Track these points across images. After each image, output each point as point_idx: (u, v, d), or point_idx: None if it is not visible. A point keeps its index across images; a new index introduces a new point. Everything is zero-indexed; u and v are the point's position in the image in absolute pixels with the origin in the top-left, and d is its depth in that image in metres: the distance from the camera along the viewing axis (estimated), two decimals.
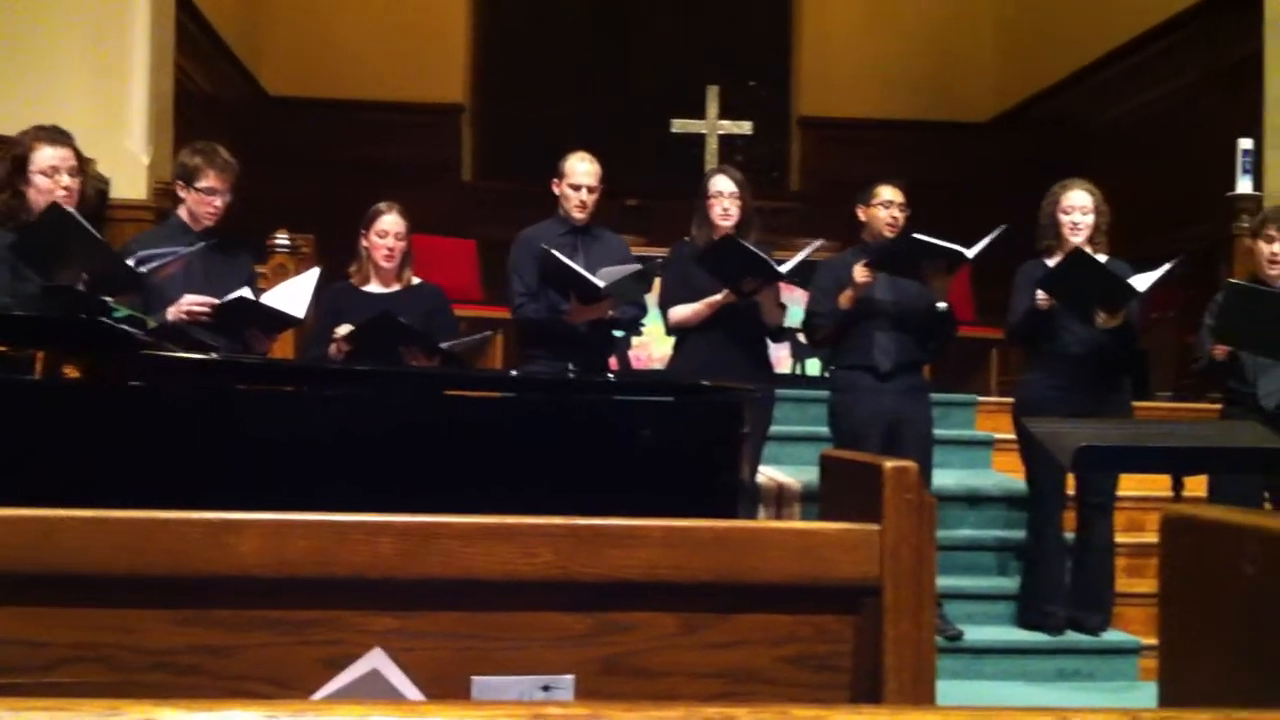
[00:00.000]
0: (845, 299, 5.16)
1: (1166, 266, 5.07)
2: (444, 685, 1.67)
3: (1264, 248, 5.00)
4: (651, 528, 1.75)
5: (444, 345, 4.59)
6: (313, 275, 4.70)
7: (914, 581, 1.85)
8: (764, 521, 4.76)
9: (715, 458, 3.85)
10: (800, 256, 5.09)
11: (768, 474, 5.87)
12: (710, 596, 1.78)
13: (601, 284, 4.73)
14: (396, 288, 4.92)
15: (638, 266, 4.99)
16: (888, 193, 5.28)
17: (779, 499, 5.91)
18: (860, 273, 5.08)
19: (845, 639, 1.84)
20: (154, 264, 4.28)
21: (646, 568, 1.72)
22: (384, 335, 4.50)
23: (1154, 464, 3.95)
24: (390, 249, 4.85)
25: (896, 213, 5.25)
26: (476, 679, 1.69)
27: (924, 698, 1.86)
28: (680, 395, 3.74)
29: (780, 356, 7.27)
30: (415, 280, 4.99)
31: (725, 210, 5.14)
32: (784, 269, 4.99)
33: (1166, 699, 1.16)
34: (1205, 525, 1.07)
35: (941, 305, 5.15)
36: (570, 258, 4.83)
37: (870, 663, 1.83)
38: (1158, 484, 4.55)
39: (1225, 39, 8.60)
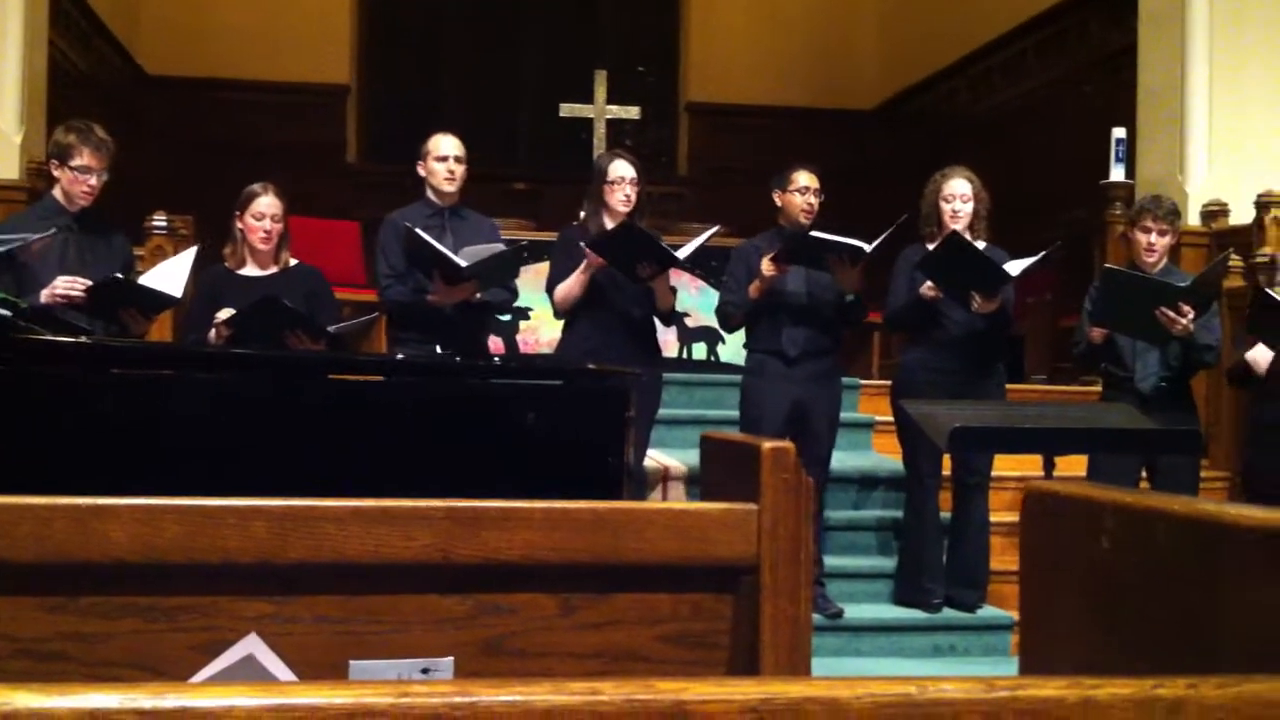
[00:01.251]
0: (754, 290, 5.22)
1: (1041, 254, 5.21)
2: (321, 670, 1.65)
3: (1141, 237, 5.14)
4: (531, 510, 1.75)
5: (331, 329, 4.53)
6: (189, 254, 4.61)
7: (791, 560, 1.88)
8: (643, 502, 4.78)
9: (601, 441, 3.86)
10: (697, 242, 5.12)
11: (655, 457, 5.90)
12: (589, 577, 1.79)
13: (464, 263, 4.69)
14: (274, 270, 4.84)
15: (501, 247, 4.96)
16: (804, 178, 5.33)
17: (665, 481, 5.95)
18: (767, 267, 5.14)
19: (723, 617, 1.87)
20: (4, 248, 4.17)
21: (526, 549, 1.73)
22: (269, 319, 4.43)
23: (1025, 444, 4.06)
24: (268, 231, 4.77)
25: (812, 199, 5.31)
26: (354, 663, 1.68)
27: (800, 673, 1.89)
28: (566, 379, 3.75)
29: (668, 340, 7.30)
30: (293, 262, 4.91)
31: (627, 196, 5.14)
32: (682, 255, 5.01)
33: (1027, 669, 1.20)
34: (1064, 501, 1.11)
35: (849, 297, 5.24)
36: (438, 239, 4.77)
37: (748, 640, 1.86)
38: (1034, 464, 4.67)
39: (1101, 32, 8.83)
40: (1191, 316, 4.79)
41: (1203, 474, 6.39)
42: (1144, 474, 5.15)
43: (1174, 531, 0.95)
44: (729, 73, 12.04)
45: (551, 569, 1.74)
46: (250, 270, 4.82)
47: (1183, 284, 4.91)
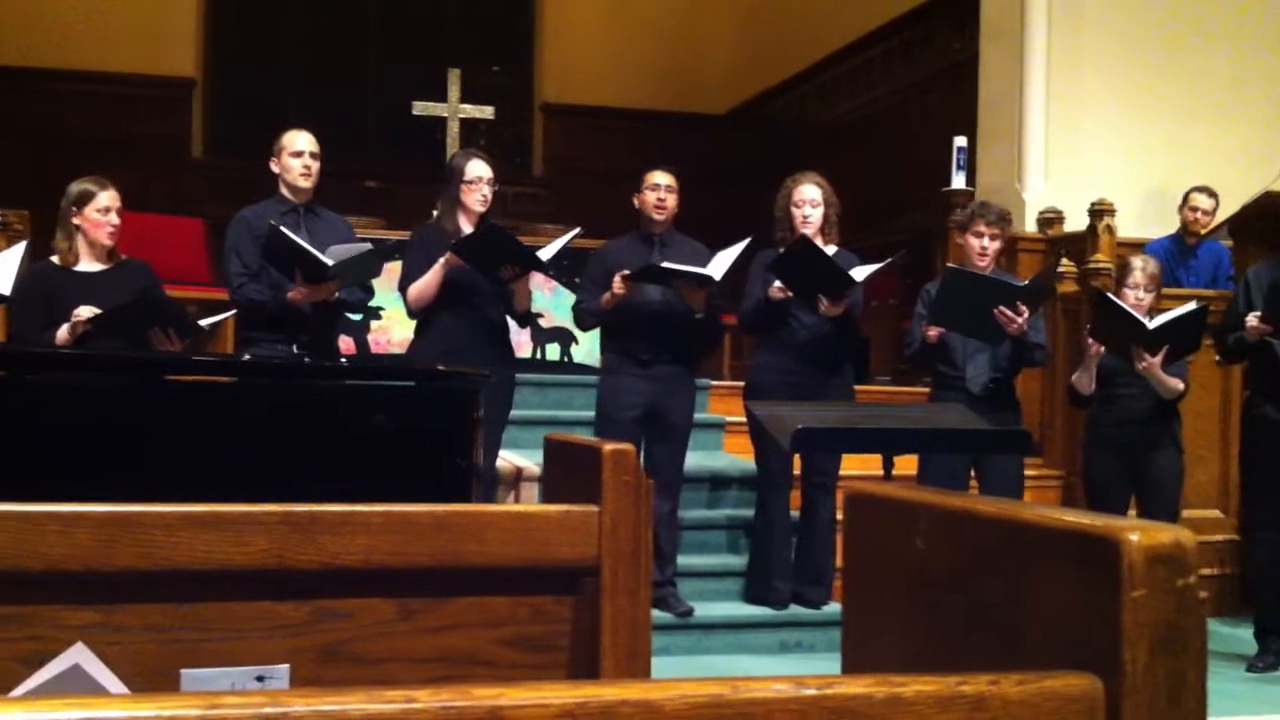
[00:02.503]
0: (606, 301, 5.23)
1: (887, 260, 5.33)
2: (152, 679, 1.62)
3: (973, 241, 5.30)
4: (370, 513, 1.74)
5: (203, 323, 4.46)
6: (19, 249, 4.46)
7: (631, 561, 1.89)
8: (485, 505, 4.78)
9: (450, 442, 3.84)
10: (559, 245, 5.13)
11: (507, 458, 5.88)
12: (428, 582, 1.78)
13: (330, 262, 4.63)
14: (108, 265, 4.71)
15: (368, 246, 4.90)
16: (657, 176, 5.38)
17: (518, 482, 5.94)
18: (618, 284, 5.16)
19: (563, 619, 1.88)
20: None
21: (365, 554, 1.71)
22: (140, 318, 4.35)
23: (866, 445, 4.16)
24: (114, 226, 4.65)
25: (664, 195, 5.35)
26: (186, 672, 1.65)
27: (640, 674, 1.91)
28: (416, 381, 3.72)
29: (521, 341, 7.29)
30: (123, 257, 4.80)
31: (484, 197, 5.13)
32: (544, 256, 5.01)
33: (849, 666, 1.23)
34: (882, 503, 1.14)
35: (699, 314, 5.29)
36: None
37: (588, 642, 1.87)
38: (879, 464, 4.78)
39: (945, 42, 9.08)
40: (1027, 316, 4.97)
41: (1038, 473, 6.63)
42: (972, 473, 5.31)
43: (981, 531, 0.99)
44: (584, 74, 12.07)
45: (390, 573, 1.73)
46: (85, 266, 4.68)
47: (1020, 284, 5.09)
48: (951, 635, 1.04)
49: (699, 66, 12.24)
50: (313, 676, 1.71)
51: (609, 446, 1.92)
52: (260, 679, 1.69)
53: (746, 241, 5.22)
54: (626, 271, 5.16)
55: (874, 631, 1.17)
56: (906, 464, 5.05)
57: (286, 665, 1.71)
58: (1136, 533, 0.84)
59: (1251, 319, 5.07)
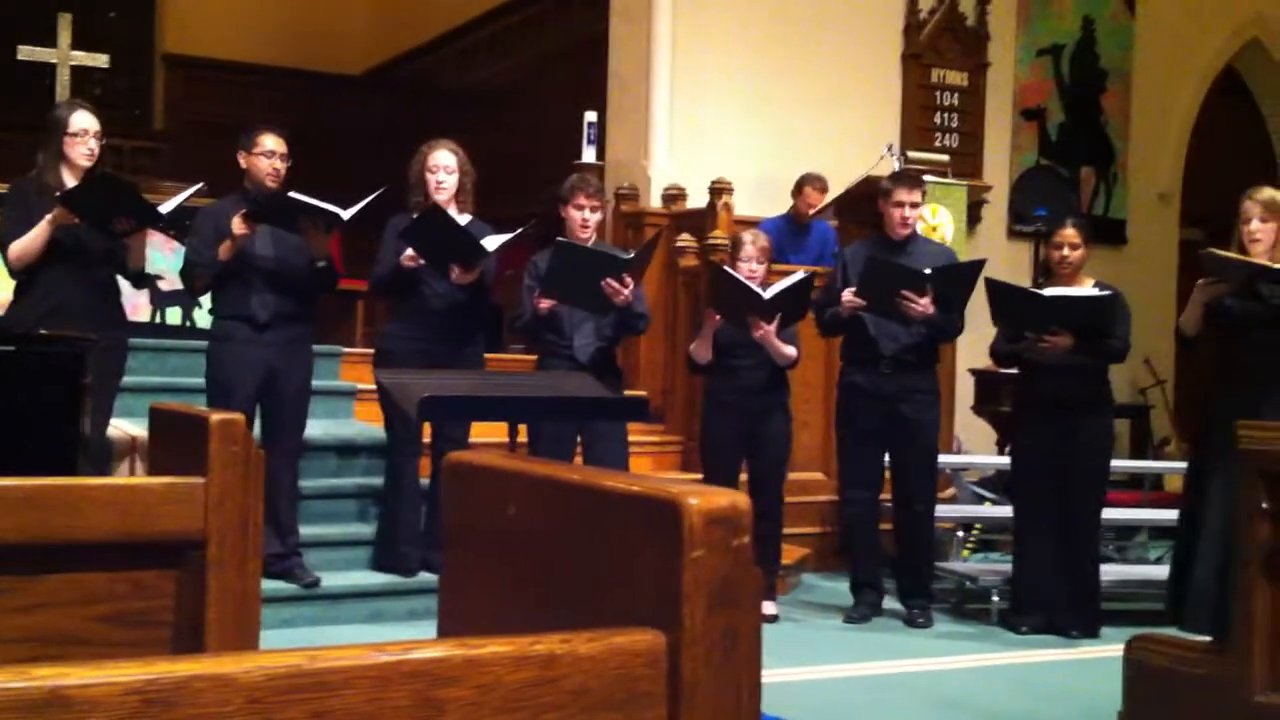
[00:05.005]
0: (224, 250, 5.05)
1: (520, 229, 5.40)
2: None
3: (575, 214, 5.44)
4: None
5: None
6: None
7: (240, 533, 1.86)
8: (83, 479, 4.55)
9: (52, 411, 3.63)
10: (178, 200, 4.91)
11: (121, 427, 5.60)
12: (18, 559, 1.69)
13: None
14: None
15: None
16: (270, 142, 5.19)
17: (134, 453, 5.66)
18: (238, 225, 4.98)
19: (167, 594, 1.83)
20: None
21: None
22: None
23: (492, 413, 4.22)
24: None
25: (279, 163, 5.18)
26: None
27: (247, 646, 1.88)
28: (15, 345, 3.49)
29: (138, 304, 6.94)
30: None
31: (90, 150, 4.88)
32: (163, 210, 4.78)
33: (445, 631, 1.26)
34: (477, 471, 1.17)
35: (320, 263, 5.16)
36: None
37: (193, 616, 1.83)
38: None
39: (578, 17, 9.25)
40: (632, 287, 5.15)
41: (659, 439, 6.91)
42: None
43: (566, 498, 1.04)
44: (211, 25, 11.56)
45: None
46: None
47: (626, 257, 5.30)
48: (539, 598, 1.09)
49: (335, 25, 11.96)
50: None
51: (216, 417, 1.88)
52: None
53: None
54: (244, 211, 5.00)
55: (470, 596, 1.21)
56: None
57: None
58: (696, 497, 0.91)
59: (846, 295, 5.45)
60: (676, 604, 0.90)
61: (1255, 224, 4.90)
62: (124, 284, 5.27)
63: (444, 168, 5.44)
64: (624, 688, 0.90)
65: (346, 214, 4.98)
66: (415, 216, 5.30)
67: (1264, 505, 2.81)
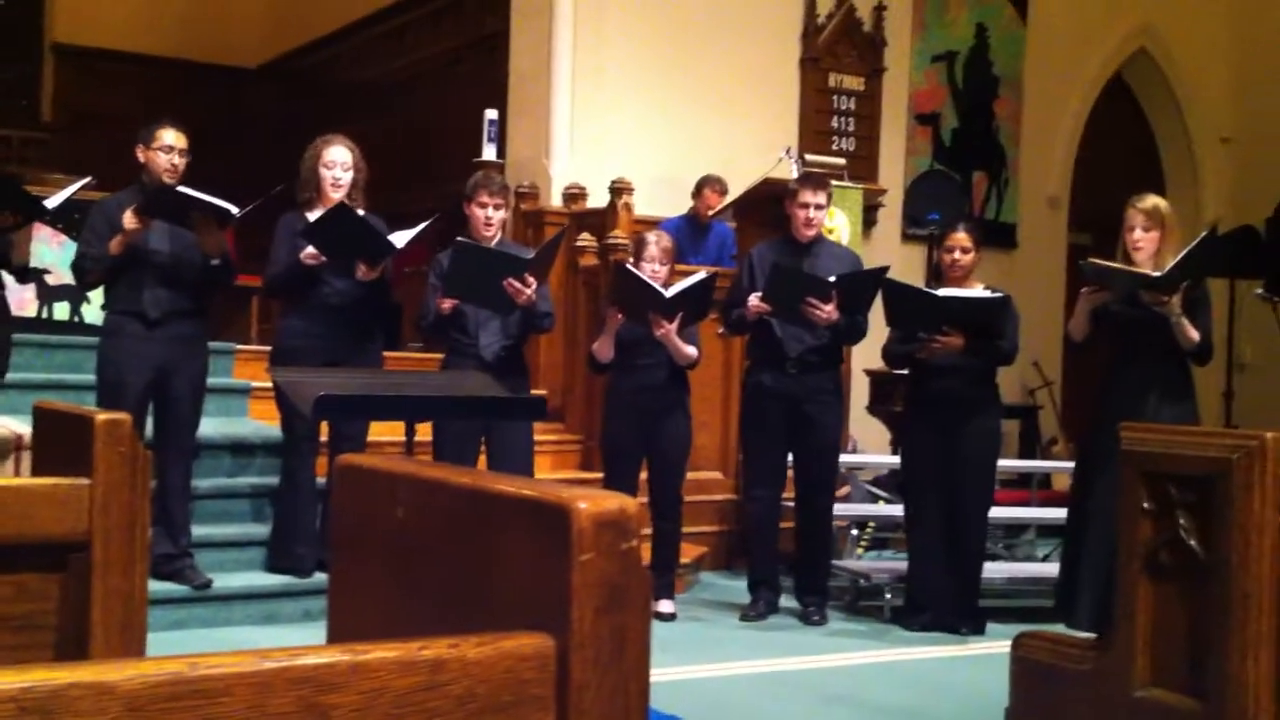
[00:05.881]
0: (116, 244, 4.94)
1: (422, 225, 5.36)
2: None
3: (478, 212, 5.42)
4: None
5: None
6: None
7: (125, 536, 1.83)
8: None
9: None
10: (66, 193, 4.81)
11: (7, 424, 5.46)
12: None
13: None
14: None
15: None
16: (170, 137, 5.10)
17: (18, 451, 5.52)
18: (129, 219, 4.89)
19: (50, 597, 1.79)
20: None
21: None
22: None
23: (389, 412, 4.18)
24: None
25: (177, 159, 5.09)
26: None
27: (134, 652, 1.85)
28: None
29: (26, 299, 6.77)
30: None
31: None
32: (51, 204, 4.66)
33: (335, 636, 1.25)
34: (366, 473, 1.17)
35: (216, 261, 5.08)
36: None
37: (77, 620, 1.79)
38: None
39: (480, 14, 9.19)
40: (535, 286, 5.15)
41: (559, 438, 6.90)
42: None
43: (454, 501, 1.04)
44: (102, 15, 11.30)
45: None
46: None
47: (527, 256, 5.30)
48: (428, 602, 1.09)
49: (230, 17, 11.77)
50: None
51: (102, 416, 1.84)
52: None
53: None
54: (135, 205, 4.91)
55: (359, 600, 1.20)
56: (423, 429, 5.12)
57: None
58: (585, 501, 0.91)
59: (753, 299, 5.49)
60: (565, 607, 0.91)
61: (1138, 233, 5.02)
62: (8, 279, 5.14)
63: (340, 164, 5.39)
64: (512, 692, 0.90)
65: (239, 210, 4.91)
66: (321, 214, 5.24)
67: (1145, 505, 2.89)
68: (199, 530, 5.39)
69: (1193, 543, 2.81)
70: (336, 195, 5.32)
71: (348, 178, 5.39)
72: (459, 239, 5.27)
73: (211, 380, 6.04)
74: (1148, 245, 5.00)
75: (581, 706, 0.90)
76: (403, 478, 1.11)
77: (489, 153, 7.62)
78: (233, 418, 6.46)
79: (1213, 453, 2.78)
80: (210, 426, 5.98)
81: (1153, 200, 5.09)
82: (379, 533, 1.15)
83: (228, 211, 4.90)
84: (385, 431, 5.74)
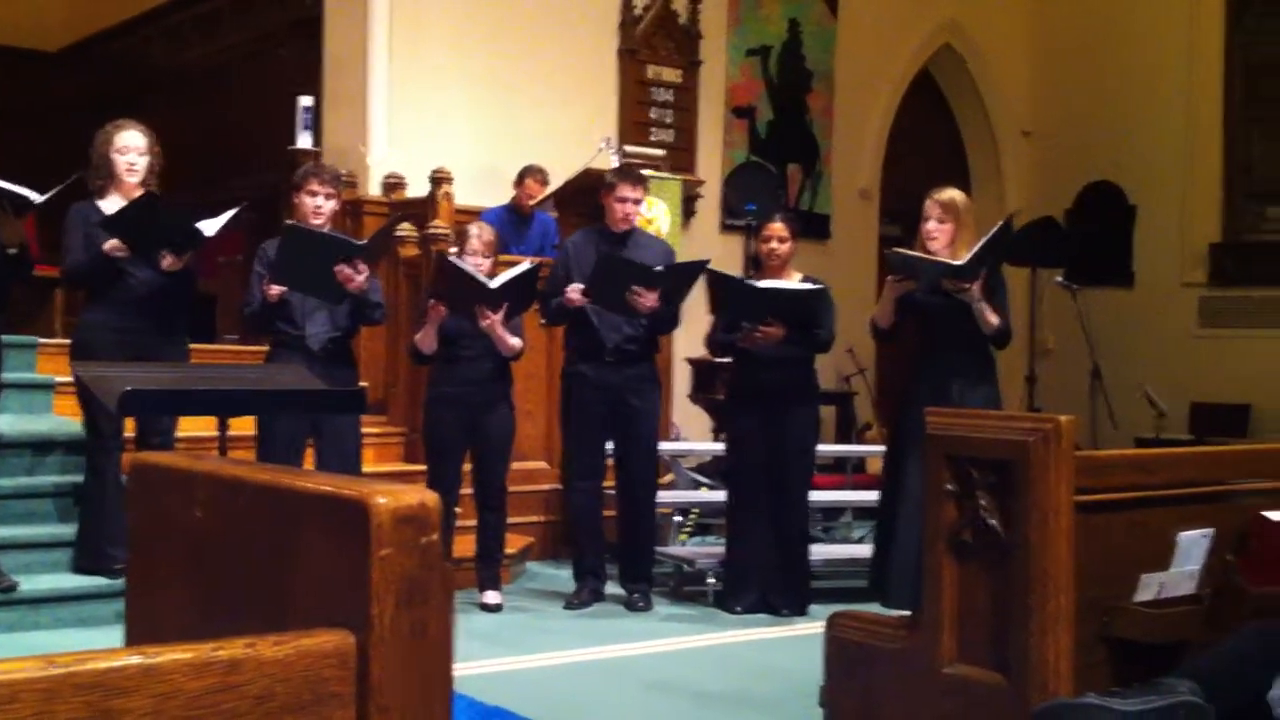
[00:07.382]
0: None
1: (231, 213, 5.22)
2: None
3: (308, 200, 5.32)
4: None
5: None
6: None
7: None
8: None
9: None
10: None
11: None
12: None
13: None
14: None
15: None
16: None
17: None
18: None
19: None
20: None
21: None
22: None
23: (200, 407, 4.07)
24: None
25: None
26: None
27: None
28: None
29: None
30: None
31: None
32: None
33: (134, 638, 1.23)
34: (164, 472, 1.14)
35: (12, 250, 4.86)
36: None
37: None
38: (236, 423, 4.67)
39: None
40: (366, 275, 5.09)
41: (381, 430, 6.82)
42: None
43: (253, 499, 1.02)
44: None
45: None
46: None
47: (360, 243, 5.23)
48: (229, 601, 1.08)
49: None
50: None
51: None
52: None
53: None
54: None
55: (157, 602, 1.17)
56: (247, 424, 5.01)
57: None
58: (384, 496, 0.91)
59: (572, 290, 5.51)
60: (365, 603, 0.91)
61: (933, 224, 5.19)
62: None
63: (134, 149, 5.21)
64: (312, 690, 0.90)
65: (40, 197, 4.72)
66: (126, 205, 5.06)
67: (949, 487, 2.99)
68: (1, 531, 5.18)
69: (994, 523, 2.91)
70: (131, 180, 5.16)
71: (143, 163, 5.21)
72: (289, 222, 5.16)
73: (12, 375, 5.80)
74: (942, 236, 5.17)
75: (382, 702, 0.90)
76: (200, 476, 1.09)
77: (304, 141, 7.47)
78: (36, 414, 6.20)
79: (1011, 436, 2.89)
80: (10, 423, 5.75)
81: (949, 193, 5.26)
82: (177, 533, 1.13)
83: (27, 199, 4.70)
84: (197, 426, 5.59)
